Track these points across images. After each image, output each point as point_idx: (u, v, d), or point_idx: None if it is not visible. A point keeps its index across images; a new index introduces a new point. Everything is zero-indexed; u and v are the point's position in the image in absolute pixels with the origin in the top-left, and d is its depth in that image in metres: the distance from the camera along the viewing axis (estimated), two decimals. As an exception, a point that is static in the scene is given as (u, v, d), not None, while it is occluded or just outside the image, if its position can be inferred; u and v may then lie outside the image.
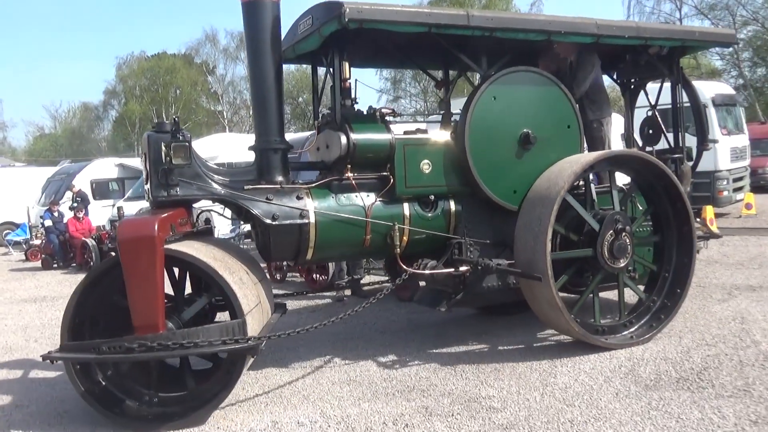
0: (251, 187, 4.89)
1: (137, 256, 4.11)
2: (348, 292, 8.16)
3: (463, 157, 5.23)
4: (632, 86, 6.96)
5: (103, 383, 4.43)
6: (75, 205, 14.57)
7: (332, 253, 5.34)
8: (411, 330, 6.51)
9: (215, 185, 4.80)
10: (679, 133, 6.48)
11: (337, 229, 5.03)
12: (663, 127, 6.59)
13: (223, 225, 11.52)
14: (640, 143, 6.80)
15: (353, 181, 5.06)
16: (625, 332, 5.51)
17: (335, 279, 8.18)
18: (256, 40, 5.01)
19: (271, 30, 5.00)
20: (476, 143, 5.25)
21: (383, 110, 5.26)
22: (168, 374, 4.81)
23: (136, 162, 18.93)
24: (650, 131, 6.74)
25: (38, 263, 14.57)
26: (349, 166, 5.09)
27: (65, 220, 14.24)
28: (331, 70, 5.27)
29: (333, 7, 4.70)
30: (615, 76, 7.01)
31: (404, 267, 5.23)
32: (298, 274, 9.50)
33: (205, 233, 5.17)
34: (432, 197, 5.30)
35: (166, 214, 4.37)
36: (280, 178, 5.04)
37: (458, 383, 4.83)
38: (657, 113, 6.65)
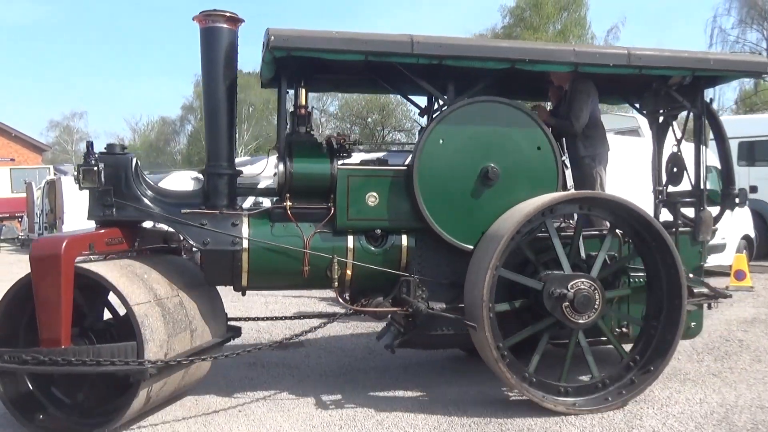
0: (188, 211, 4.94)
1: (44, 273, 4.30)
2: None
3: (414, 191, 4.95)
4: (659, 119, 6.22)
5: (30, 389, 4.66)
6: None
7: (270, 282, 5.27)
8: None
9: (154, 208, 4.92)
10: (701, 174, 5.69)
11: (271, 259, 4.95)
12: (686, 165, 5.84)
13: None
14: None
15: (289, 211, 4.96)
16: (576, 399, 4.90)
17: None
18: (211, 65, 5.04)
19: (225, 56, 5.02)
20: (427, 178, 4.93)
21: (332, 138, 5.11)
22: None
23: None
24: (674, 169, 6.01)
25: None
26: (288, 195, 5.01)
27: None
28: (292, 94, 5.24)
29: (265, 34, 4.65)
30: (640, 107, 6.31)
31: (342, 302, 5.08)
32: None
33: (161, 252, 5.30)
34: (379, 231, 5.07)
35: (83, 234, 4.55)
36: (223, 203, 5.05)
37: (537, 419, 4.66)
38: (681, 149, 5.92)
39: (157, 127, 60.83)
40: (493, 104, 5.04)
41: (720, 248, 11.74)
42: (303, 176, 4.98)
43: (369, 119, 44.34)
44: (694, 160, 5.73)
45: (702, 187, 5.65)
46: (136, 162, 5.00)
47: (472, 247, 5.00)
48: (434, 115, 5.41)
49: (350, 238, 5.05)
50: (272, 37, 4.53)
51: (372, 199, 5.00)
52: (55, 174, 26.48)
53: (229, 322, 5.50)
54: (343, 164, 5.13)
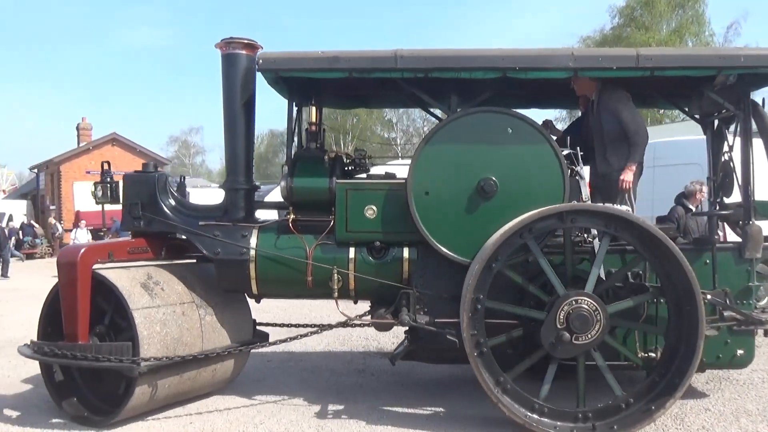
0: (204, 223, 5.34)
1: (66, 277, 4.90)
2: None
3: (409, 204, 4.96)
4: (714, 124, 5.65)
5: (64, 377, 5.23)
6: None
7: (279, 290, 5.47)
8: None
9: (176, 220, 5.38)
10: (749, 185, 5.08)
11: (277, 268, 5.21)
12: (736, 174, 5.26)
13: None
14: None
15: (291, 223, 5.20)
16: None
17: None
18: (231, 89, 5.40)
19: (242, 80, 5.37)
20: (422, 191, 4.92)
21: (331, 153, 5.28)
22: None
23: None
24: (726, 179, 5.43)
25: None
26: (291, 208, 5.24)
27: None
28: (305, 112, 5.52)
29: None
30: (690, 112, 5.77)
31: (341, 312, 5.19)
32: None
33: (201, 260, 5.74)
34: (378, 243, 5.13)
35: (104, 243, 5.10)
36: (240, 216, 5.40)
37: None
38: (733, 157, 5.33)
39: (267, 139, 62.47)
40: (491, 115, 4.91)
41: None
42: (303, 190, 5.21)
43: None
44: (742, 168, 5.14)
45: (750, 198, 5.05)
46: (166, 179, 5.51)
47: (470, 260, 4.89)
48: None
49: (352, 250, 5.17)
50: (260, 61, 4.81)
51: (370, 211, 5.09)
52: None
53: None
54: (355, 178, 5.29)
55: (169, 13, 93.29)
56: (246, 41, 5.39)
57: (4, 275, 17.89)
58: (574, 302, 4.51)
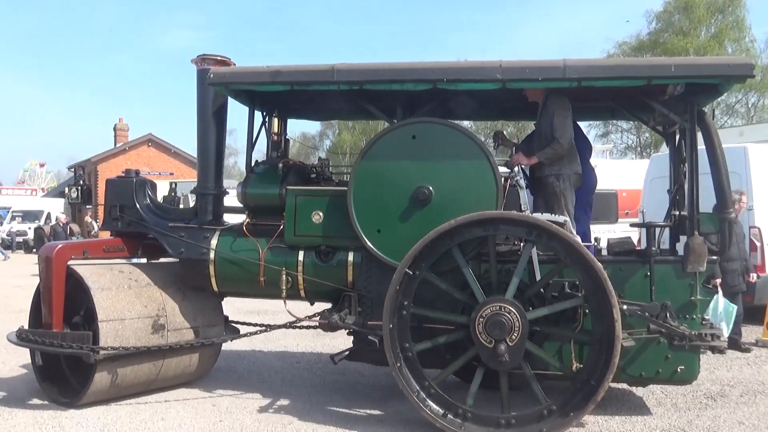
0: (173, 224, 5.79)
1: (44, 271, 5.46)
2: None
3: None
4: (676, 136, 5.56)
5: (48, 362, 5.76)
6: None
7: (236, 289, 5.82)
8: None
9: (148, 221, 5.85)
10: (694, 196, 4.99)
11: (233, 268, 5.58)
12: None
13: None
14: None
15: (245, 227, 5.56)
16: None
17: None
18: (204, 101, 5.86)
19: (214, 93, 5.78)
20: (361, 197, 5.15)
21: (285, 161, 5.60)
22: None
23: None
24: (680, 191, 5.35)
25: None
26: (247, 212, 5.60)
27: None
28: (266, 123, 5.90)
29: None
30: (649, 124, 5.70)
31: (289, 312, 5.48)
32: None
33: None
34: (323, 247, 5.39)
35: (79, 242, 5.63)
36: (208, 219, 5.82)
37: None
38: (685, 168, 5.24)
39: (298, 142, 63.13)
40: (427, 125, 5.09)
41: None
42: (255, 196, 5.57)
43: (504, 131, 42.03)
44: (688, 180, 5.06)
45: (694, 210, 4.97)
46: (144, 184, 6.00)
47: None
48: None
49: (301, 253, 5.46)
50: (211, 75, 5.21)
51: (317, 217, 5.37)
52: None
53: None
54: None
55: (207, 17, 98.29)
56: (218, 58, 5.81)
57: None
58: (480, 318, 4.63)
